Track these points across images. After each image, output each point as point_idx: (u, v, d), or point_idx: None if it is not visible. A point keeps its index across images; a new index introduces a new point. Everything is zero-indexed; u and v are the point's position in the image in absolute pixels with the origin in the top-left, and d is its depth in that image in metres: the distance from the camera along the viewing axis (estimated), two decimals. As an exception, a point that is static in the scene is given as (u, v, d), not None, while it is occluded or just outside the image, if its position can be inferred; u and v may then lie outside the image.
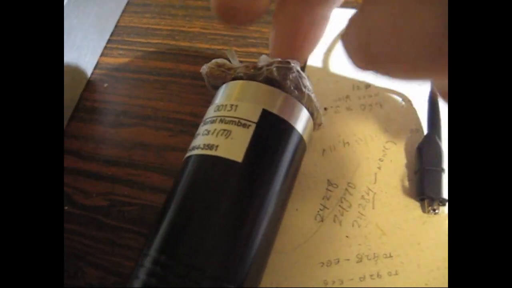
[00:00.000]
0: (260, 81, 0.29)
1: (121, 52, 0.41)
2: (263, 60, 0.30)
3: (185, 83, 0.38)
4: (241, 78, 0.30)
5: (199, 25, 0.41)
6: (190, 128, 0.34)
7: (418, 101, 0.34)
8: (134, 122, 0.37)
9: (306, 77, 0.29)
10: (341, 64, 0.37)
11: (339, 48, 0.38)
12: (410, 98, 0.34)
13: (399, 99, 0.35)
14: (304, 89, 0.29)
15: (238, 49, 0.39)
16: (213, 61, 0.32)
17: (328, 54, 0.37)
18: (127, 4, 0.44)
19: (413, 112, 0.34)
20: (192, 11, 0.42)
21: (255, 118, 0.27)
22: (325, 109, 0.35)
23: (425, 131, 0.32)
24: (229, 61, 0.33)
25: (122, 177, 0.35)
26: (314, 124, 0.31)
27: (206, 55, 0.39)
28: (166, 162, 0.35)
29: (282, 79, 0.28)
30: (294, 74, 0.29)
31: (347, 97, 0.35)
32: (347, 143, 0.33)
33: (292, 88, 0.29)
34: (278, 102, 0.28)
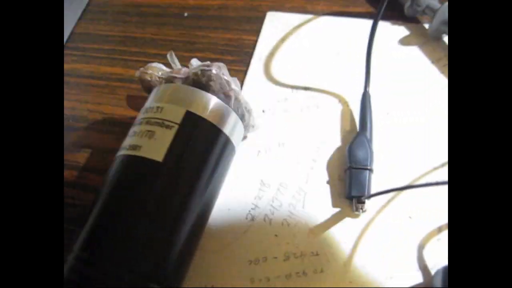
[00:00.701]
0: (188, 84, 0.30)
1: (74, 58, 0.42)
2: (193, 64, 0.31)
3: (133, 88, 0.39)
4: (171, 82, 0.31)
5: (150, 32, 0.42)
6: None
7: (354, 102, 0.35)
8: (82, 126, 0.38)
9: (232, 80, 0.30)
10: (282, 68, 0.38)
11: (281, 52, 0.38)
12: (347, 100, 0.35)
13: (336, 100, 0.35)
14: (230, 92, 0.30)
15: (185, 54, 0.40)
16: (147, 65, 0.32)
17: (270, 57, 0.38)
18: (84, 11, 0.45)
19: (349, 113, 0.34)
20: (145, 18, 0.44)
21: (178, 119, 0.28)
22: (263, 111, 0.35)
23: (358, 127, 0.33)
24: (168, 65, 0.34)
25: (66, 179, 0.35)
26: (247, 125, 0.32)
27: (154, 61, 0.40)
28: (110, 165, 0.36)
29: (206, 81, 0.29)
30: (218, 77, 0.29)
31: (286, 99, 0.36)
32: (282, 144, 0.34)
33: (217, 90, 0.29)
34: (203, 104, 0.29)
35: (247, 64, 0.38)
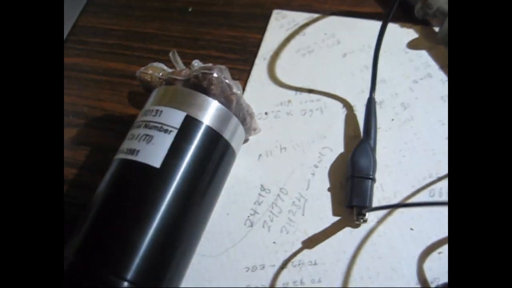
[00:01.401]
0: (189, 87, 0.29)
1: (76, 52, 0.41)
2: (194, 65, 0.31)
3: (135, 84, 0.38)
4: (171, 83, 0.30)
5: (153, 27, 0.41)
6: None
7: (359, 107, 0.34)
8: (82, 123, 0.37)
9: (234, 83, 0.30)
10: (287, 68, 0.37)
11: (286, 51, 0.38)
12: (352, 104, 0.34)
13: (341, 104, 0.34)
14: (231, 95, 0.29)
15: (188, 51, 0.39)
16: (148, 65, 0.32)
17: (275, 57, 0.37)
18: (87, 3, 0.44)
19: (353, 118, 0.34)
20: (148, 12, 0.43)
21: (177, 124, 0.27)
22: (266, 113, 0.35)
23: (362, 134, 0.32)
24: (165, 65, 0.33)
25: (64, 177, 0.35)
26: (249, 129, 0.32)
27: (157, 57, 0.39)
28: (109, 163, 0.35)
29: (207, 84, 0.29)
30: (220, 80, 0.29)
31: (289, 101, 0.35)
32: (284, 148, 0.33)
33: (218, 94, 0.29)
34: (203, 108, 0.28)
35: (251, 64, 0.37)
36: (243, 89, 0.36)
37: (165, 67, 0.32)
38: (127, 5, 0.44)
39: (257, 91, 0.36)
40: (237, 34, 0.39)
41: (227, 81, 0.29)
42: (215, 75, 0.28)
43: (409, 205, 0.30)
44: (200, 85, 0.29)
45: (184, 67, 0.33)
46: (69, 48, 0.42)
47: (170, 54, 0.33)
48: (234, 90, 0.29)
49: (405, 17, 0.38)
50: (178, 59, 0.33)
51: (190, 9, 0.42)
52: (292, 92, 0.35)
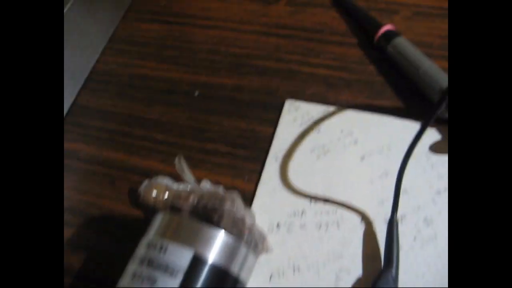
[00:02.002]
0: (196, 216, 0.27)
1: (75, 136, 0.39)
2: (203, 188, 0.28)
3: (135, 180, 0.36)
4: (178, 210, 0.28)
5: (157, 111, 0.39)
6: (134, 236, 0.31)
7: (379, 222, 0.31)
8: (78, 223, 0.35)
9: (246, 213, 0.27)
10: (300, 171, 0.34)
11: (299, 151, 0.35)
12: (371, 219, 0.32)
13: (359, 218, 0.32)
14: (242, 226, 0.27)
15: (194, 144, 0.36)
16: (152, 181, 0.29)
17: (288, 157, 0.35)
18: (86, 80, 0.42)
19: (372, 236, 0.31)
20: (152, 94, 0.40)
21: (184, 265, 0.25)
22: (278, 225, 0.32)
23: (383, 260, 0.30)
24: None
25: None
26: (260, 251, 0.29)
27: (159, 148, 0.37)
28: (112, 274, 0.32)
29: (218, 218, 0.26)
30: (232, 213, 0.26)
31: (303, 212, 0.32)
32: (298, 268, 0.31)
33: (229, 228, 0.26)
34: (211, 244, 0.26)
35: (262, 163, 0.35)
36: (253, 194, 0.34)
37: (169, 184, 0.29)
38: (129, 85, 0.41)
39: (268, 198, 0.33)
40: (247, 126, 0.37)
41: (239, 212, 0.26)
42: (226, 207, 0.26)
43: None
44: (209, 216, 0.26)
45: (191, 177, 0.31)
46: (67, 132, 0.39)
47: (176, 162, 0.31)
48: (247, 221, 0.27)
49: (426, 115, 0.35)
50: (185, 167, 0.31)
51: (196, 93, 0.39)
52: (307, 201, 0.33)
